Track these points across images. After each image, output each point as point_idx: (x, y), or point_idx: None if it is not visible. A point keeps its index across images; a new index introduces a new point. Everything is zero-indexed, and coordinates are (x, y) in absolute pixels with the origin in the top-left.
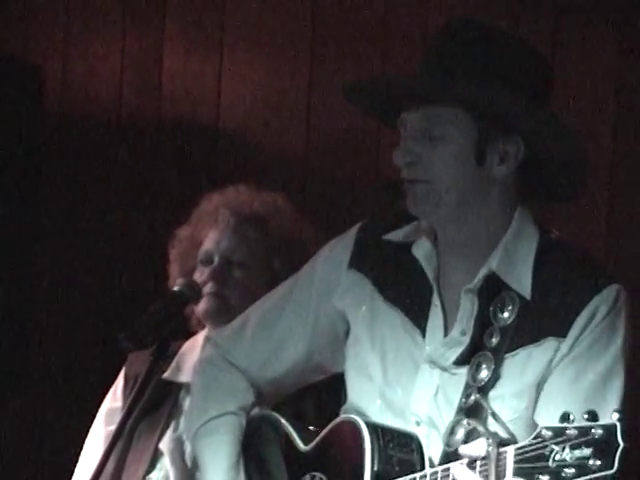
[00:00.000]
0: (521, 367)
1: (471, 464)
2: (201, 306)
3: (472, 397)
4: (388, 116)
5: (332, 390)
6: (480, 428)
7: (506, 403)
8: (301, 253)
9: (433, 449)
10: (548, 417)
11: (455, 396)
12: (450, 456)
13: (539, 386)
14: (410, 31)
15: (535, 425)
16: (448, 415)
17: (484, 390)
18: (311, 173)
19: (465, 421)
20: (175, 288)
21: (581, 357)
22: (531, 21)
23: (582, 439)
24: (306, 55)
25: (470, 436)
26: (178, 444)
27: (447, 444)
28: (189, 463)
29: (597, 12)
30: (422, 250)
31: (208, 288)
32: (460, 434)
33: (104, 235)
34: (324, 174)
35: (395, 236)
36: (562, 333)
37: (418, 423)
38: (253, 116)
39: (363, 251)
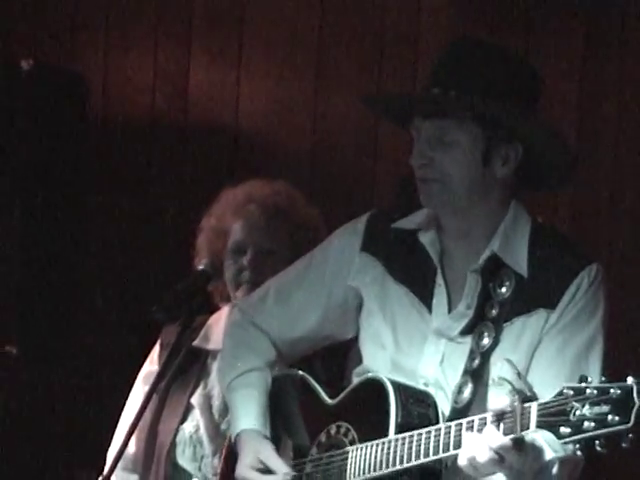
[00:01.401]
0: (517, 334)
1: (498, 418)
2: (240, 293)
3: (476, 361)
4: (401, 120)
5: (338, 354)
6: (508, 385)
7: (505, 366)
8: (313, 234)
9: (441, 406)
10: (540, 381)
11: (459, 362)
12: (459, 412)
13: (532, 351)
14: (403, 42)
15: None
16: (453, 378)
17: (486, 355)
18: (317, 168)
19: (496, 377)
20: (200, 267)
21: (567, 328)
22: (505, 21)
23: (601, 397)
24: (312, 66)
25: (475, 395)
26: (207, 399)
27: (455, 401)
28: (216, 415)
29: (565, 9)
30: (427, 237)
31: (246, 277)
32: (467, 393)
33: (140, 225)
34: (329, 169)
35: (403, 224)
36: (551, 305)
37: (426, 385)
38: (267, 119)
39: (374, 236)
